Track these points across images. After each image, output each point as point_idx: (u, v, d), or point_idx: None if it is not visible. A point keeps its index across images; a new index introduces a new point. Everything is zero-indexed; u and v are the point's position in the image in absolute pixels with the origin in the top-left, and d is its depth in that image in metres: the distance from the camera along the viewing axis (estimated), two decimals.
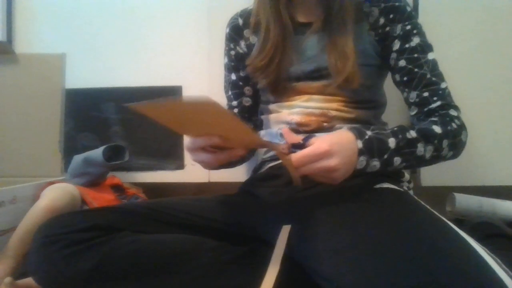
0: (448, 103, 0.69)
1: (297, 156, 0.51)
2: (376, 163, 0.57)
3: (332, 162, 0.51)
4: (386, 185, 0.64)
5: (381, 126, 0.78)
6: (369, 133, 0.57)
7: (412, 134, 0.59)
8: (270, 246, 0.57)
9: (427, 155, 0.61)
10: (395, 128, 0.60)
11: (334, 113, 0.72)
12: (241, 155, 0.58)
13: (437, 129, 0.62)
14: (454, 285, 0.37)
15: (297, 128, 0.72)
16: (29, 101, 1.11)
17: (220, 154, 0.56)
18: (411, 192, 0.72)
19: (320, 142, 0.52)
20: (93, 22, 1.23)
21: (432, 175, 1.12)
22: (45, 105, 1.11)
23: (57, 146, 1.10)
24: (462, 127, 0.66)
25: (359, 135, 0.56)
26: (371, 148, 0.56)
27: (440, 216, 0.52)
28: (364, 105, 0.74)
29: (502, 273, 0.39)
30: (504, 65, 1.10)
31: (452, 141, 0.63)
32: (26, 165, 1.09)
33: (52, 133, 1.10)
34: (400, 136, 0.58)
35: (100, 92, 1.21)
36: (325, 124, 0.71)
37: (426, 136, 0.60)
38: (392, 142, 0.57)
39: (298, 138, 0.60)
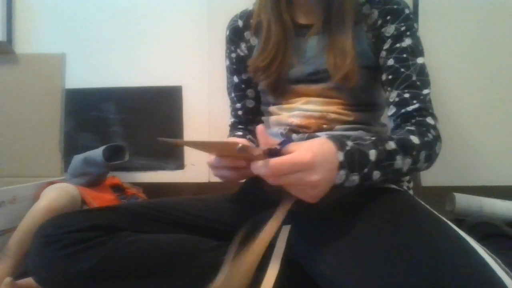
0: (426, 109, 0.66)
1: (275, 162, 0.44)
2: (355, 178, 0.51)
3: (313, 176, 0.46)
4: (386, 184, 0.64)
5: (380, 128, 0.78)
6: (350, 143, 0.52)
7: (391, 145, 0.56)
8: (270, 246, 0.57)
9: (405, 168, 0.57)
10: (374, 138, 0.56)
11: (333, 115, 0.71)
12: None
13: (415, 139, 0.59)
14: (454, 285, 0.37)
15: (297, 130, 0.72)
16: (29, 101, 1.10)
17: (245, 172, 0.57)
18: (411, 192, 0.72)
19: (302, 151, 0.46)
20: (93, 22, 1.23)
21: (432, 175, 1.12)
22: (45, 105, 1.10)
23: (57, 146, 1.09)
24: (437, 138, 0.64)
25: (340, 146, 0.51)
26: (352, 161, 0.50)
27: (440, 216, 0.52)
28: (362, 108, 0.74)
29: (502, 273, 0.39)
30: (504, 66, 1.10)
31: (428, 153, 0.61)
32: (26, 165, 1.09)
33: (52, 133, 1.10)
34: (380, 147, 0.54)
35: (100, 92, 1.21)
36: (324, 126, 0.71)
37: (405, 148, 0.57)
38: (372, 154, 0.53)
39: (274, 142, 0.52)
